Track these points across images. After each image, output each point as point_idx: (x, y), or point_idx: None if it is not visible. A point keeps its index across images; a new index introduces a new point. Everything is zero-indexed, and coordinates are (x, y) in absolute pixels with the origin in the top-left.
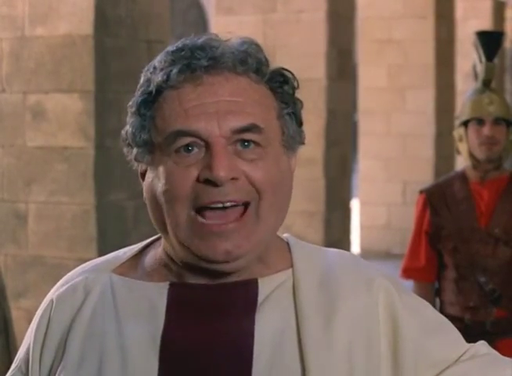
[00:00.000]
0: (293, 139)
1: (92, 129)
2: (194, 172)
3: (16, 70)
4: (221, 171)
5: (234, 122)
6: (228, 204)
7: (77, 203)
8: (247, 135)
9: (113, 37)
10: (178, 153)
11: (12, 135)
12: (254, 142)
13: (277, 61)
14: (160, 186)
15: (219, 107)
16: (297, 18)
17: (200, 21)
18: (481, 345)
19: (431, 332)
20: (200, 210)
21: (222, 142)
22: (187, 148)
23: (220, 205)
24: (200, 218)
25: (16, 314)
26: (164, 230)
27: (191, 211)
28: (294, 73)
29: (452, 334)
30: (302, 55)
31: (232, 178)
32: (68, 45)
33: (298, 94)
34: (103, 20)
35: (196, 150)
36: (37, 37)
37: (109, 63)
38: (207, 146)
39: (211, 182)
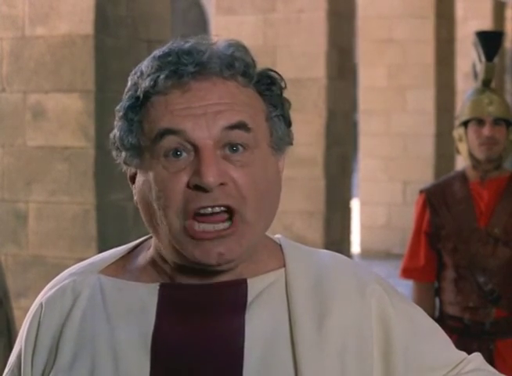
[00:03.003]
0: (281, 141)
1: (93, 129)
2: (184, 178)
3: (17, 70)
4: (210, 177)
5: (222, 121)
6: (217, 209)
7: (78, 203)
8: (236, 134)
9: (114, 37)
10: (167, 157)
11: (12, 135)
12: (243, 145)
13: (277, 61)
14: (152, 193)
15: (207, 110)
16: (297, 18)
17: (201, 21)
18: (475, 357)
19: (422, 338)
20: (191, 215)
21: (211, 146)
22: (176, 153)
23: (209, 210)
24: (192, 226)
25: (16, 314)
26: (157, 233)
27: (182, 219)
28: (294, 72)
29: (442, 340)
30: (302, 54)
31: (221, 184)
32: (68, 44)
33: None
34: (104, 20)
35: (184, 154)
36: (38, 37)
37: (110, 63)
38: (196, 150)
39: (201, 188)
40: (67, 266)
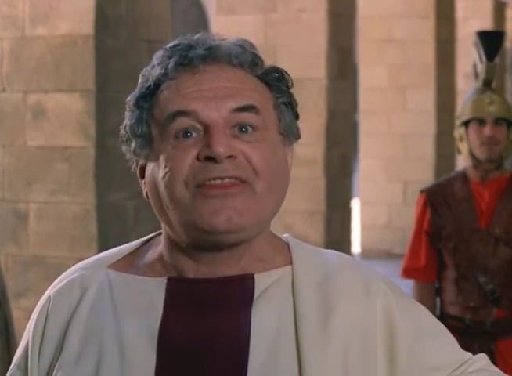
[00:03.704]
0: (289, 128)
1: (93, 129)
2: (193, 152)
3: (17, 70)
4: (220, 147)
5: (232, 103)
6: (226, 180)
7: (78, 202)
8: (245, 116)
9: (114, 36)
10: (177, 138)
11: (12, 135)
12: (252, 126)
13: (277, 61)
14: (160, 172)
15: (217, 92)
16: (298, 18)
17: (201, 21)
18: (481, 358)
19: (427, 337)
20: (200, 187)
21: (221, 123)
22: (186, 133)
23: (219, 181)
24: (201, 190)
25: (16, 314)
26: (167, 219)
27: (192, 187)
28: (295, 72)
29: (447, 339)
30: (302, 54)
31: (231, 156)
32: (69, 44)
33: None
34: (104, 20)
35: (194, 134)
36: (38, 37)
37: (110, 63)
38: (206, 129)
39: (211, 160)
40: (68, 266)
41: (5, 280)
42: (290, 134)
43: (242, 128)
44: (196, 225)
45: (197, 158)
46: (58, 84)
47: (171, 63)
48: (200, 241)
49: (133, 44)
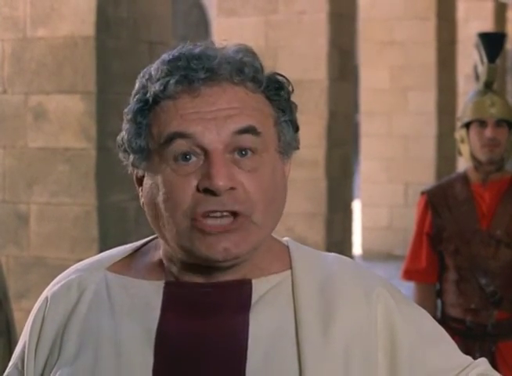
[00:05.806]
0: (289, 146)
1: (94, 130)
2: (193, 181)
3: (18, 71)
4: (220, 181)
5: (232, 125)
6: (225, 213)
7: (79, 204)
8: (245, 139)
9: (115, 38)
10: (177, 161)
11: (13, 136)
12: (251, 149)
13: (278, 62)
14: (159, 195)
15: (217, 114)
16: (299, 19)
17: (202, 22)
18: (482, 362)
19: (428, 342)
20: (199, 219)
21: (220, 150)
22: (185, 157)
23: (218, 214)
24: (200, 221)
25: (17, 315)
26: (163, 235)
27: (190, 219)
28: (296, 74)
29: (448, 344)
30: (304, 56)
31: (231, 188)
32: (70, 46)
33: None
34: (105, 21)
35: (194, 158)
36: (39, 39)
37: (111, 64)
38: (206, 154)
39: (210, 191)
40: (68, 267)
41: (7, 281)
42: (290, 150)
43: (241, 150)
44: (193, 253)
45: (197, 188)
46: (59, 86)
47: (171, 81)
48: (196, 262)
49: (134, 45)
